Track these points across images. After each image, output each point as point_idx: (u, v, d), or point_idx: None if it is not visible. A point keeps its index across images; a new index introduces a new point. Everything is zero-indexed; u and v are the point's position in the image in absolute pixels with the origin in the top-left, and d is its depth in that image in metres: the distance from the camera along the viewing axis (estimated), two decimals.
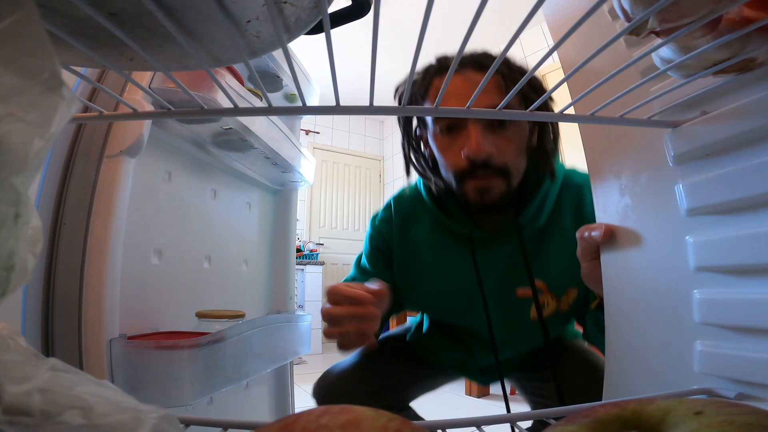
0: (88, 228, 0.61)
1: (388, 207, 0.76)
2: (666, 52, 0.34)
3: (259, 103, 0.84)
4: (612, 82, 0.34)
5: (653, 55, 0.35)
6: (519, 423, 0.37)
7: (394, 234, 0.72)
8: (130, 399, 0.19)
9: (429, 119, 0.63)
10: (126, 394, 0.19)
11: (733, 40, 0.29)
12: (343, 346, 0.52)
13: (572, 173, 0.68)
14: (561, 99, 0.46)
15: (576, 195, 0.65)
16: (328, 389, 0.80)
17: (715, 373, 0.37)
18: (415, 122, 0.70)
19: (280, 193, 1.30)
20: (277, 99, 1.19)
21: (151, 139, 0.79)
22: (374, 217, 0.79)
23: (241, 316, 0.86)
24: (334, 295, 0.50)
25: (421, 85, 0.63)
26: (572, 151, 2.81)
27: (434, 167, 0.67)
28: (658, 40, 0.31)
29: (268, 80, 1.08)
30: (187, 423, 0.36)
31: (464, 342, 0.76)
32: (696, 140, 0.39)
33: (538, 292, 0.62)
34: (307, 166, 1.19)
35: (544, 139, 0.64)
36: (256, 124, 0.86)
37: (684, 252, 0.41)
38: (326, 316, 0.50)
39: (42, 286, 0.59)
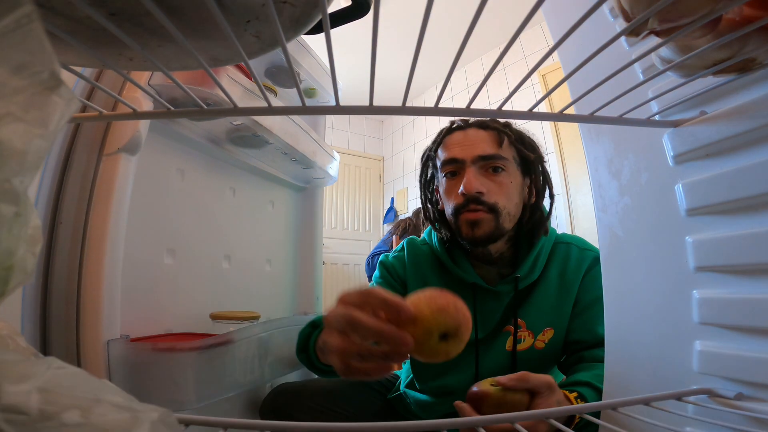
0: (86, 227, 0.61)
1: (401, 249, 0.84)
2: (666, 52, 0.34)
3: (272, 99, 0.83)
4: (612, 82, 0.34)
5: (653, 55, 0.35)
6: (518, 423, 0.37)
7: (408, 272, 0.79)
8: (130, 398, 0.19)
9: (439, 172, 0.74)
10: (125, 394, 0.19)
11: (732, 40, 0.29)
12: (353, 373, 0.34)
13: (563, 235, 0.78)
14: (561, 99, 0.47)
15: (565, 252, 0.74)
16: (280, 399, 0.80)
17: (715, 373, 0.37)
18: (430, 175, 0.81)
19: (305, 191, 1.26)
20: (293, 94, 1.15)
21: (160, 137, 0.78)
22: (386, 257, 0.84)
23: (256, 317, 0.84)
24: (365, 297, 0.34)
25: (436, 141, 0.75)
26: (572, 151, 2.82)
27: (442, 217, 0.77)
28: (658, 40, 0.31)
29: (284, 76, 1.05)
30: (187, 423, 0.36)
31: (443, 395, 0.77)
32: (696, 140, 0.39)
33: (517, 328, 0.71)
34: (332, 163, 1.15)
35: (539, 199, 0.73)
36: (268, 120, 0.84)
37: (683, 252, 0.41)
38: (350, 323, 0.32)
39: (39, 286, 0.59)
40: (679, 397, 0.38)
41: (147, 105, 0.63)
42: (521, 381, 0.46)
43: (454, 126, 0.74)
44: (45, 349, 0.59)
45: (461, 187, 0.67)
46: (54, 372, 0.17)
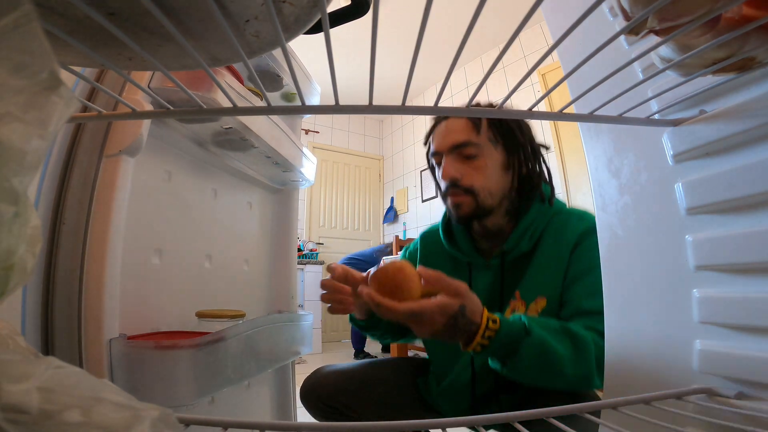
0: (88, 227, 0.61)
1: (417, 242, 0.93)
2: (665, 51, 0.34)
3: (259, 103, 0.84)
4: (611, 81, 0.34)
5: (652, 54, 0.35)
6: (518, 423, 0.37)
7: (419, 263, 0.87)
8: (130, 397, 0.19)
9: (433, 162, 0.82)
10: (125, 393, 0.19)
11: (731, 39, 0.29)
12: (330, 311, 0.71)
13: (568, 209, 0.78)
14: (561, 98, 0.47)
15: (562, 222, 0.74)
16: (322, 383, 0.83)
17: (715, 372, 0.37)
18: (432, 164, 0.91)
19: (282, 193, 1.29)
20: (276, 98, 1.19)
21: (151, 138, 0.78)
22: (406, 248, 0.95)
23: (242, 315, 0.85)
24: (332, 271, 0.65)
25: (427, 135, 0.83)
26: (572, 150, 2.82)
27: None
28: (658, 39, 0.31)
29: (268, 79, 1.07)
30: (187, 423, 0.36)
31: (453, 372, 0.80)
32: (695, 139, 0.39)
33: (511, 298, 0.73)
34: (308, 166, 1.19)
35: (532, 169, 0.77)
36: (257, 124, 0.86)
37: (683, 251, 0.41)
38: (322, 286, 0.69)
39: (41, 285, 0.59)
40: (679, 396, 0.38)
41: (147, 106, 0.63)
42: (437, 280, 0.52)
43: (438, 118, 0.81)
44: (47, 348, 0.59)
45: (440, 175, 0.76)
46: (54, 371, 0.17)
